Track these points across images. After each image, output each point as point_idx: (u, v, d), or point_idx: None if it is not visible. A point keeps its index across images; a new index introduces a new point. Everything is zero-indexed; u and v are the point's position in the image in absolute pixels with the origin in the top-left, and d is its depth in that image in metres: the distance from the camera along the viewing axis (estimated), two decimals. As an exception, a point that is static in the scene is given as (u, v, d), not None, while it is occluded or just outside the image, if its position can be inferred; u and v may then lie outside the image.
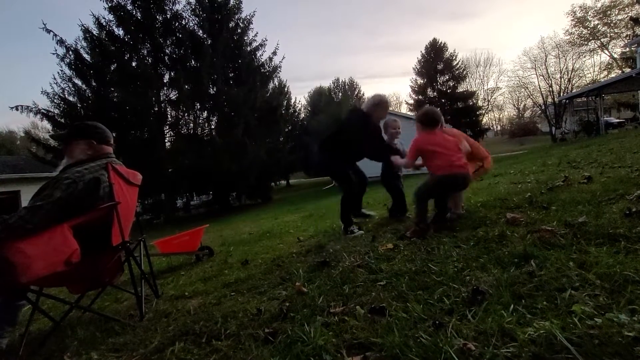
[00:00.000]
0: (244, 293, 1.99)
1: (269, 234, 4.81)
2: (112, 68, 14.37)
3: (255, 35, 17.57)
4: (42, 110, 13.18)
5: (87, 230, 1.83)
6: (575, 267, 1.30)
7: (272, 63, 17.92)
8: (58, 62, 13.50)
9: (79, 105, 13.94)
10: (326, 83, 40.20)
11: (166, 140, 16.20)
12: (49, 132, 16.18)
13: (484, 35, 77.95)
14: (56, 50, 13.33)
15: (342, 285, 1.70)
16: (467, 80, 35.03)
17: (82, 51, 13.86)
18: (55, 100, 13.57)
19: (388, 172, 3.42)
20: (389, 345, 1.03)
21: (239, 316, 1.58)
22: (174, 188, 15.74)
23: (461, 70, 32.53)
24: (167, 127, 16.11)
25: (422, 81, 32.89)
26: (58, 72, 13.76)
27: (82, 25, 13.77)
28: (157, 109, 15.26)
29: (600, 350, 0.82)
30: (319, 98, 32.88)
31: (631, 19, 25.62)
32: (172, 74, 15.45)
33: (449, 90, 31.85)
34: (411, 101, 34.01)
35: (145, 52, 15.15)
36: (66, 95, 13.78)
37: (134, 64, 14.62)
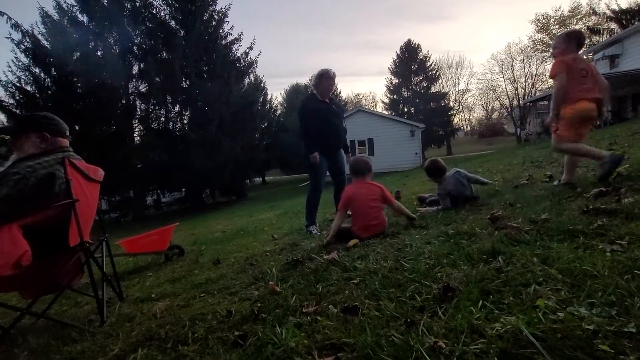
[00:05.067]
0: (215, 294, 1.92)
1: (242, 232, 4.71)
2: (74, 57, 13.47)
3: (231, 28, 17.14)
4: (-5, 100, 12.16)
5: (41, 230, 1.69)
6: (539, 263, 1.35)
7: (248, 58, 17.56)
8: (12, 48, 12.48)
9: (37, 95, 12.97)
10: (303, 80, 39.88)
11: (135, 135, 15.47)
12: (3, 124, 14.94)
13: (456, 38, 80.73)
14: (10, 34, 12.30)
15: (316, 284, 1.68)
16: (440, 81, 36.08)
17: (40, 37, 12.89)
18: (9, 89, 12.54)
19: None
20: (361, 345, 1.02)
21: (207, 319, 1.52)
22: (144, 185, 15.11)
23: (434, 72, 33.44)
24: (136, 120, 15.38)
25: (397, 81, 33.52)
26: (13, 59, 12.71)
27: (41, 8, 12.81)
28: (125, 101, 14.52)
29: (563, 344, 0.85)
30: (296, 95, 32.61)
31: (588, 28, 27.41)
32: (142, 65, 14.73)
33: (422, 91, 32.68)
34: (386, 100, 34.56)
35: (112, 41, 14.31)
36: (23, 84, 12.77)
37: (99, 53, 13.79)
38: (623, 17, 22.29)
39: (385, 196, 2.57)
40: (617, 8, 22.83)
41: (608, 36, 22.38)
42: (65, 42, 12.95)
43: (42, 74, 13.12)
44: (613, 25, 23.83)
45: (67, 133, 1.91)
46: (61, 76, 13.22)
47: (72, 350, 1.47)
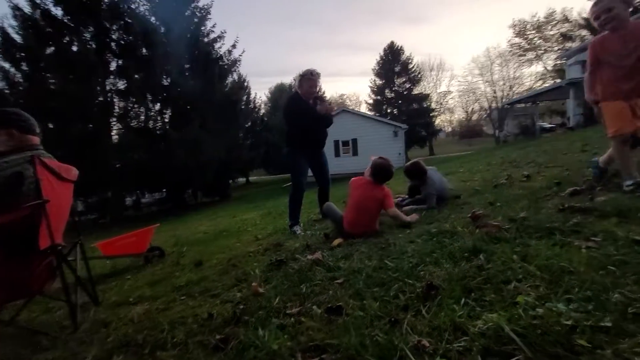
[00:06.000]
0: (196, 296, 1.87)
1: (225, 233, 4.63)
2: (47, 52, 12.86)
3: (214, 26, 16.82)
4: (-40, 96, 11.49)
5: (10, 232, 1.59)
6: (518, 260, 1.38)
7: (232, 56, 17.31)
8: (-21, 41, 11.81)
9: (7, 91, 12.32)
10: (287, 80, 39.62)
11: (113, 134, 14.94)
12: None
13: (436, 41, 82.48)
14: (-23, 28, 11.65)
15: (300, 284, 1.66)
16: (422, 83, 36.69)
17: (10, 30, 12.27)
18: (-24, 85, 11.88)
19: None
20: (345, 346, 1.01)
21: (188, 322, 1.47)
22: (122, 185, 14.59)
23: (417, 73, 33.99)
24: (115, 119, 14.84)
25: (380, 82, 33.86)
26: (-21, 54, 12.03)
27: (10, 0, 12.18)
28: (102, 98, 13.99)
29: (543, 340, 0.86)
30: (280, 95, 32.39)
31: (561, 34, 28.60)
32: (120, 62, 14.25)
33: (405, 92, 33.15)
34: (370, 101, 34.88)
35: (89, 36, 13.76)
36: (-9, 80, 12.13)
37: (74, 48, 13.23)
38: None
39: (385, 202, 2.53)
40: (588, 16, 23.97)
41: (580, 42, 23.43)
42: (37, 36, 12.36)
43: (12, 69, 12.48)
44: (584, 32, 24.96)
45: (38, 130, 1.81)
46: (33, 72, 12.61)
47: (43, 359, 1.40)
